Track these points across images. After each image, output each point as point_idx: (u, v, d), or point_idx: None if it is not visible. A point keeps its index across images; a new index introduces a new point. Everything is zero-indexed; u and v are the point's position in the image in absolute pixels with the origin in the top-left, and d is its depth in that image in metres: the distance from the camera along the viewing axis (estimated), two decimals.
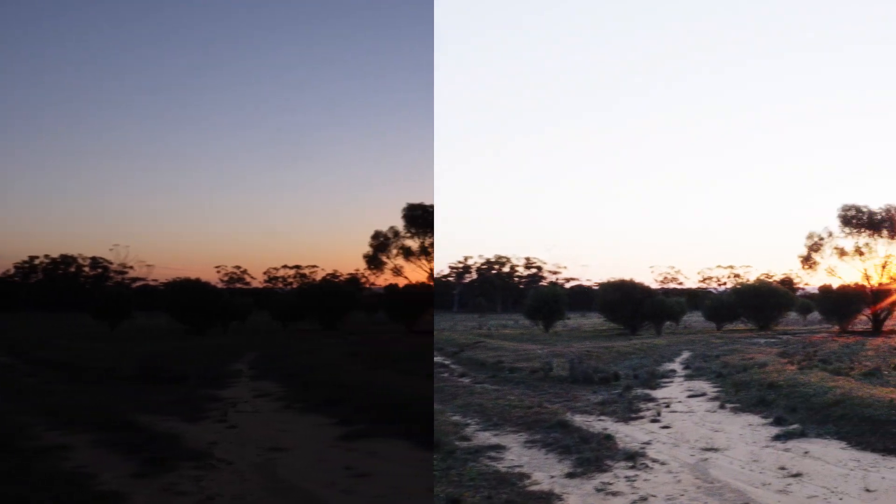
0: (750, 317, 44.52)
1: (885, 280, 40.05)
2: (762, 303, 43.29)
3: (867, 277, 40.18)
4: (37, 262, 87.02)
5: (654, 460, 9.33)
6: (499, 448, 10.06)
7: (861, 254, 40.06)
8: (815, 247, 41.38)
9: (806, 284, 62.10)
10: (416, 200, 44.61)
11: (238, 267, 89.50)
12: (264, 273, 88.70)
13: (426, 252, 44.61)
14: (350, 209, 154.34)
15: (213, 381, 17.33)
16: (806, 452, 9.54)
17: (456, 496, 7.53)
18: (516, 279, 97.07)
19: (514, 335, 37.80)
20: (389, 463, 9.10)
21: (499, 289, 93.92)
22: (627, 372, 18.56)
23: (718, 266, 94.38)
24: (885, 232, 39.21)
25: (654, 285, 75.06)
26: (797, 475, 8.40)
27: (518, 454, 9.80)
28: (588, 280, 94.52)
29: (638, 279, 43.77)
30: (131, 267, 79.21)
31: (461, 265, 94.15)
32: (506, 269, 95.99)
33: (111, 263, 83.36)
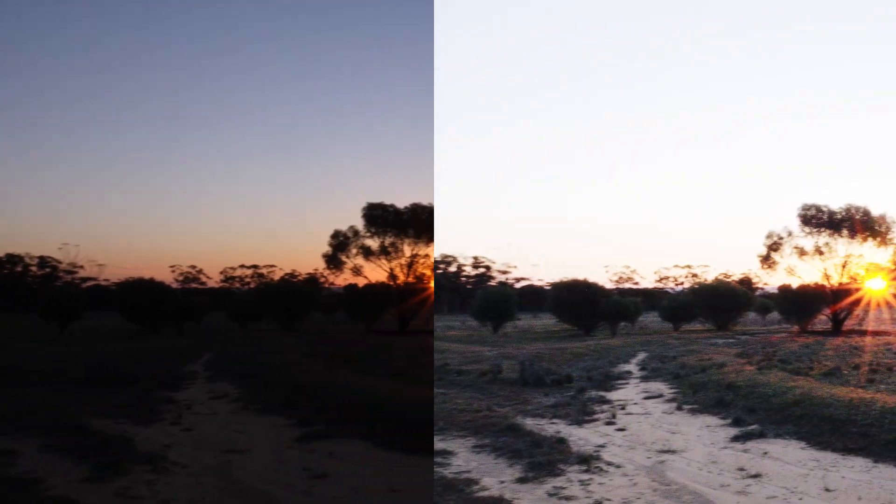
0: (708, 317, 45.89)
1: (845, 280, 41.82)
2: (720, 303, 44.66)
3: (827, 277, 41.90)
4: None
5: (609, 463, 9.51)
6: (445, 453, 10.09)
7: (821, 253, 41.77)
8: (774, 246, 42.94)
9: (765, 284, 64.40)
10: (375, 199, 46.13)
11: (193, 266, 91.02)
12: (221, 273, 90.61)
13: (386, 252, 45.86)
14: (310, 208, 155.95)
15: (167, 383, 17.50)
16: (765, 453, 9.88)
17: None
18: (463, 279, 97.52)
19: (462, 337, 38.05)
20: (348, 464, 9.39)
21: (445, 289, 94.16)
22: (581, 374, 18.90)
23: (675, 266, 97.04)
24: (845, 232, 40.97)
25: (609, 285, 76.62)
26: (756, 476, 8.69)
27: (466, 459, 9.86)
28: (539, 280, 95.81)
29: (592, 279, 44.72)
30: (81, 266, 78.74)
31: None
32: (452, 268, 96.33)
33: (60, 263, 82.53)
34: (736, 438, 10.88)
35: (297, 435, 11.18)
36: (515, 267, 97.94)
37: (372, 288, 46.34)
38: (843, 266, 41.69)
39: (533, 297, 73.76)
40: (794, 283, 43.19)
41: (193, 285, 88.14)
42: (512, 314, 45.46)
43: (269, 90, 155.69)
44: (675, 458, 9.83)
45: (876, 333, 36.01)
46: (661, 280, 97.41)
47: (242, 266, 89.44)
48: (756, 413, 12.59)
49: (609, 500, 7.92)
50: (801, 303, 42.07)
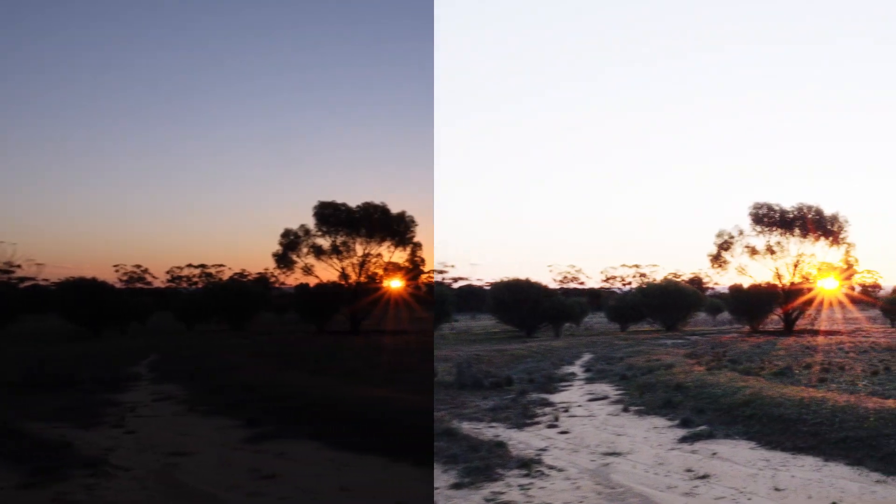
0: (656, 317, 46.99)
1: (797, 279, 43.40)
2: (669, 303, 45.79)
3: (779, 277, 43.40)
4: None
5: (551, 467, 9.62)
6: None
7: (772, 252, 43.26)
8: (725, 245, 44.25)
9: (716, 284, 66.18)
10: (326, 198, 47.57)
11: (138, 266, 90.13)
12: (167, 272, 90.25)
13: (338, 251, 47.02)
14: (261, 207, 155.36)
15: (110, 385, 17.75)
16: (714, 454, 10.15)
17: None
18: None
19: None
20: (298, 464, 9.68)
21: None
22: (522, 376, 19.11)
23: (623, 265, 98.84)
24: (797, 231, 42.53)
25: (553, 285, 77.57)
26: (704, 477, 8.92)
27: None
28: (479, 280, 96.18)
29: (536, 279, 45.20)
30: (18, 266, 76.71)
31: None
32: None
33: None
34: (684, 439, 11.16)
35: (245, 436, 11.48)
36: (453, 266, 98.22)
37: (323, 288, 47.44)
38: (795, 265, 43.27)
39: (471, 298, 74.12)
40: (746, 283, 44.60)
41: (138, 285, 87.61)
42: (448, 315, 45.68)
43: (217, 86, 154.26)
44: (620, 460, 10.01)
45: (829, 333, 37.52)
46: (607, 280, 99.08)
47: (190, 265, 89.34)
48: (705, 414, 12.94)
49: None
50: (752, 302, 43.44)
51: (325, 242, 47.18)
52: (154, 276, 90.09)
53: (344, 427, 11.56)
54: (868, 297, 65.37)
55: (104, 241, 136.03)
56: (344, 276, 47.22)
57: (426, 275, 54.96)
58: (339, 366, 20.91)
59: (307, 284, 48.80)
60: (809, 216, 42.38)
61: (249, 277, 69.14)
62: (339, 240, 47.01)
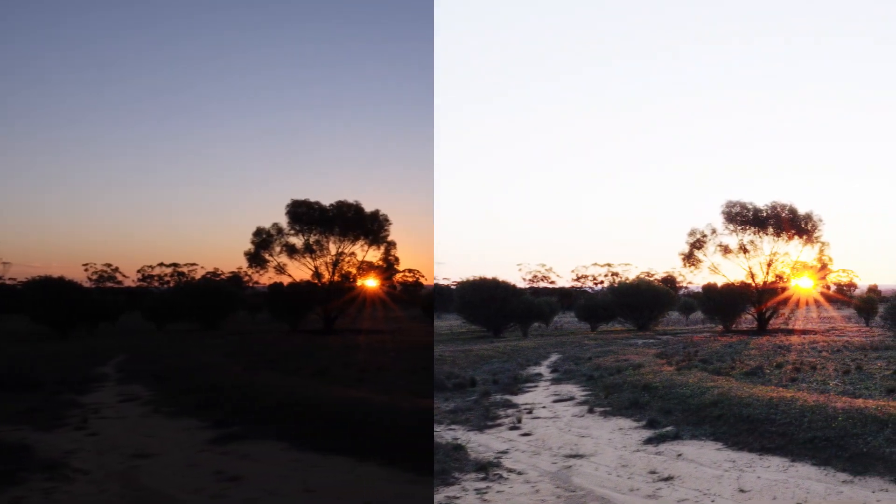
0: (627, 317, 47.27)
1: (770, 278, 43.98)
2: (641, 302, 46.11)
3: (752, 276, 43.94)
4: None
5: (511, 470, 9.56)
6: None
7: (745, 251, 43.83)
8: (697, 244, 44.72)
9: (689, 283, 66.91)
10: (300, 196, 48.20)
11: (109, 265, 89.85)
12: (138, 271, 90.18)
13: (311, 250, 47.80)
14: (234, 205, 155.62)
15: (75, 386, 17.82)
16: (679, 455, 10.17)
17: None
18: None
19: None
20: (262, 465, 9.79)
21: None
22: (486, 377, 19.06)
23: (594, 264, 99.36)
24: (770, 229, 43.07)
25: (523, 284, 77.70)
26: (668, 479, 8.92)
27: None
28: (445, 279, 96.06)
29: (504, 278, 45.21)
30: None
31: None
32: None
33: None
34: (649, 441, 11.17)
35: (210, 437, 11.58)
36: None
37: (297, 287, 48.15)
38: (769, 264, 43.87)
39: (438, 298, 74.02)
40: (719, 282, 45.09)
41: (109, 284, 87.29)
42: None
43: (189, 86, 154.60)
44: (582, 462, 9.98)
45: (803, 332, 38.05)
46: (579, 279, 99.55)
47: (162, 264, 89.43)
48: (672, 414, 12.99)
49: None
50: (725, 302, 43.89)
51: (298, 241, 48.01)
52: (125, 276, 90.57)
53: (312, 427, 11.70)
54: (843, 297, 66.40)
55: (74, 240, 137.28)
56: (317, 274, 47.98)
57: (401, 274, 55.84)
58: (310, 365, 21.27)
59: (281, 283, 49.69)
60: (783, 215, 42.95)
61: (222, 276, 71.39)
62: (313, 238, 47.89)
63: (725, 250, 44.04)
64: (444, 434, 11.99)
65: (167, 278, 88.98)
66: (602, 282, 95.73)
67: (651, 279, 64.34)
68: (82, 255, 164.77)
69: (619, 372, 18.80)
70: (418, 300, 70.71)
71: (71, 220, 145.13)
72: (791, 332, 39.31)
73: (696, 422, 12.25)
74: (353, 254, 48.53)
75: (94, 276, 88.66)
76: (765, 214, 43.02)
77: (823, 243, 43.27)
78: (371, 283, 49.30)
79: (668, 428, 11.89)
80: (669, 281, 72.10)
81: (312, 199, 48.05)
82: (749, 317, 44.87)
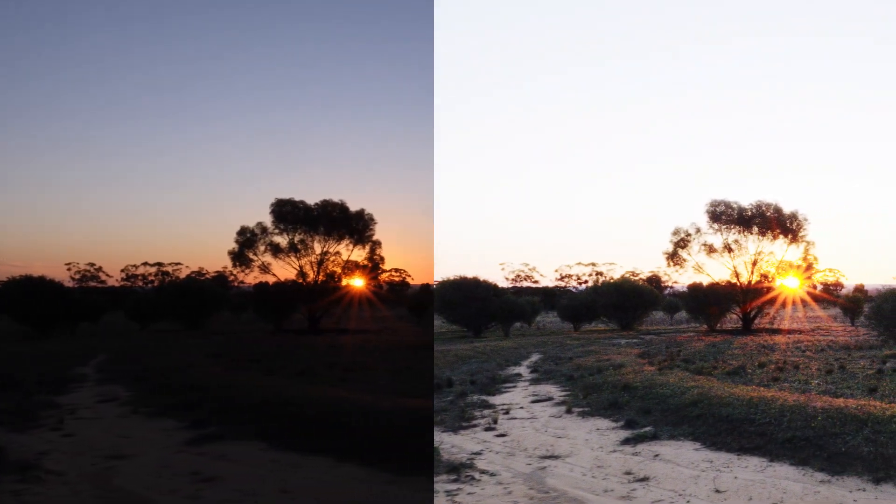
0: (611, 316, 47.44)
1: (755, 278, 44.28)
2: (624, 302, 46.26)
3: (737, 275, 44.22)
4: None
5: (483, 472, 9.54)
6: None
7: (730, 251, 44.09)
8: (681, 243, 44.95)
9: (675, 283, 67.29)
10: (285, 196, 48.83)
11: (92, 264, 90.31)
12: (122, 271, 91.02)
13: (295, 249, 48.32)
14: (220, 204, 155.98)
15: (52, 387, 17.85)
16: (656, 455, 10.19)
17: None
18: None
19: None
20: (240, 466, 9.84)
21: None
22: (464, 377, 19.06)
23: (578, 263, 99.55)
24: (755, 229, 43.37)
25: (505, 284, 77.73)
26: (644, 479, 8.93)
27: None
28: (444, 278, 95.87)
29: (486, 278, 45.23)
30: None
31: None
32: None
33: None
34: (627, 441, 11.20)
35: (188, 438, 11.64)
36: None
37: (282, 286, 48.68)
38: (754, 264, 44.17)
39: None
40: (704, 282, 45.32)
41: (92, 284, 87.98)
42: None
43: (173, 83, 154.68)
44: (557, 463, 9.98)
45: (788, 332, 38.38)
46: (562, 278, 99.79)
47: (146, 264, 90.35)
48: (651, 414, 13.04)
49: None
50: (710, 301, 44.13)
51: (282, 240, 48.51)
52: (108, 275, 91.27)
53: (292, 428, 11.80)
54: (830, 296, 66.93)
55: (57, 239, 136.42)
56: (302, 274, 48.44)
57: (387, 273, 56.43)
58: (293, 365, 21.50)
59: (266, 283, 50.16)
60: (768, 214, 43.24)
61: (207, 276, 72.93)
62: (297, 238, 48.40)
63: (710, 250, 44.33)
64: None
65: (151, 278, 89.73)
66: (586, 281, 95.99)
67: (636, 279, 64.64)
68: (65, 254, 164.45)
69: (599, 372, 18.84)
70: (405, 300, 70.77)
71: (54, 220, 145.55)
72: (776, 331, 39.61)
73: (675, 422, 12.29)
74: (338, 253, 49.06)
75: (77, 276, 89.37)
76: (749, 214, 43.32)
77: (809, 243, 43.68)
78: (357, 282, 49.78)
79: (647, 428, 11.94)
80: (654, 280, 72.46)
81: (297, 198, 48.56)
82: (734, 316, 45.15)
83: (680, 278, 48.48)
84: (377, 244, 49.21)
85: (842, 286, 78.80)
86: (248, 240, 48.30)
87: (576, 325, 48.55)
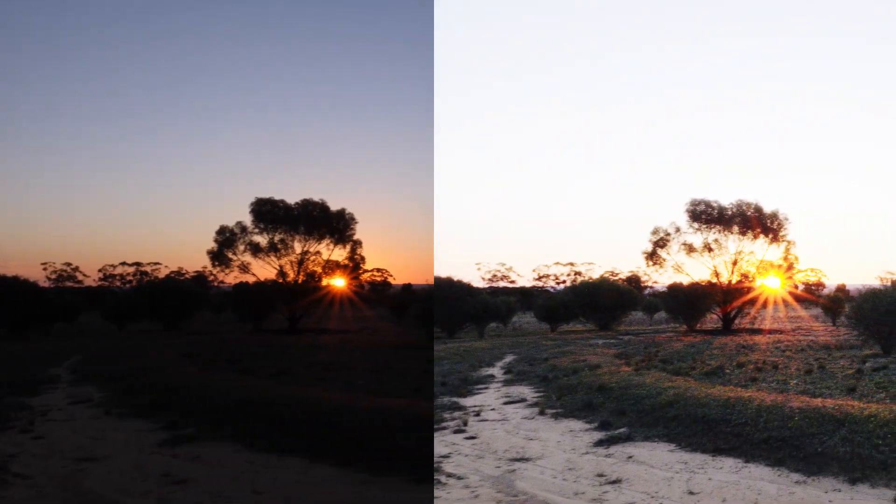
0: (589, 317, 47.55)
1: (736, 278, 44.55)
2: (602, 301, 46.38)
3: (717, 275, 44.47)
4: None
5: (451, 475, 9.48)
6: None
7: (710, 250, 44.31)
8: (661, 242, 45.12)
9: (654, 283, 67.55)
10: (264, 195, 49.62)
11: (69, 264, 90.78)
12: (99, 270, 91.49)
13: (275, 248, 48.88)
14: (200, 204, 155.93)
15: (24, 389, 18.09)
16: (630, 457, 10.18)
17: None
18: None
19: None
20: (213, 467, 9.90)
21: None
22: (436, 379, 18.95)
23: (557, 263, 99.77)
24: (735, 228, 43.64)
25: (482, 284, 77.72)
26: (616, 482, 8.90)
27: None
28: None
29: (462, 278, 45.23)
30: None
31: None
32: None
33: None
34: (600, 443, 11.18)
35: (161, 439, 11.72)
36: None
37: (262, 286, 49.18)
38: (734, 263, 44.41)
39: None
40: (684, 281, 45.54)
41: (68, 284, 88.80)
42: None
43: (150, 82, 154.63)
44: (528, 466, 9.93)
45: (769, 331, 38.66)
46: (540, 279, 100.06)
47: (124, 263, 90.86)
48: (626, 416, 13.03)
49: None
50: (689, 301, 44.34)
51: (262, 240, 49.07)
52: (85, 275, 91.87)
53: (267, 428, 11.96)
54: (811, 296, 67.56)
55: (33, 239, 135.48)
56: (282, 273, 49.02)
57: (368, 273, 56.97)
58: (271, 365, 21.73)
59: (246, 283, 50.68)
60: (749, 213, 43.53)
61: (187, 276, 74.69)
62: (277, 237, 48.99)
63: (690, 249, 44.51)
64: None
65: (129, 278, 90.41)
66: (564, 281, 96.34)
67: (615, 278, 64.91)
68: (41, 253, 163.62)
69: (574, 373, 18.83)
70: (387, 299, 71.93)
71: (30, 218, 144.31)
72: (757, 331, 39.88)
73: (650, 423, 12.30)
74: (318, 253, 49.66)
75: (53, 276, 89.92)
76: (730, 213, 43.57)
77: (789, 242, 43.96)
78: (338, 282, 50.47)
79: (621, 430, 11.93)
80: (634, 280, 72.83)
81: (277, 197, 49.06)
82: (714, 317, 45.42)
83: (660, 278, 48.58)
84: (358, 244, 49.94)
85: (823, 286, 79.68)
86: (227, 239, 48.71)
87: (553, 325, 48.63)
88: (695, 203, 43.96)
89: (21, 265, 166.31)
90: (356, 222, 49.70)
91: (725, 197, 54.87)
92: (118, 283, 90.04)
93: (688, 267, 45.14)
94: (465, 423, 13.03)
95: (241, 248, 48.78)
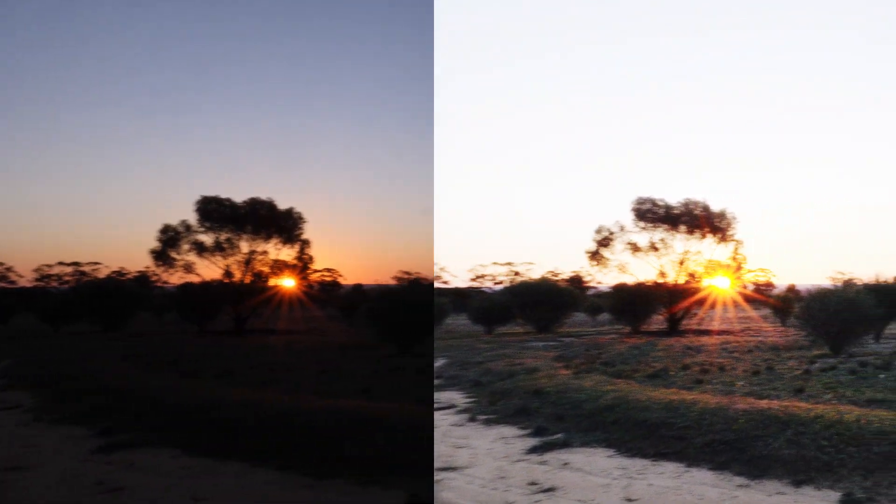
0: (528, 318, 47.81)
1: (683, 278, 45.30)
2: (542, 302, 46.65)
3: (663, 275, 45.15)
4: None
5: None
6: None
7: (656, 249, 44.96)
8: (604, 241, 45.60)
9: (598, 283, 68.32)
10: (210, 193, 49.32)
11: (1, 263, 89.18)
12: (35, 270, 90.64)
13: (221, 248, 49.06)
14: (142, 202, 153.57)
15: None
16: (565, 464, 10.19)
17: None
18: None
19: None
20: (150, 474, 9.94)
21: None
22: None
23: (494, 263, 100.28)
24: (682, 227, 44.36)
25: None
26: (550, 490, 8.89)
27: None
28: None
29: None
30: None
31: None
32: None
33: None
34: (534, 449, 11.18)
35: (95, 446, 11.73)
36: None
37: (208, 286, 49.26)
38: (681, 263, 45.14)
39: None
40: (629, 281, 46.10)
41: (1, 284, 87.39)
42: None
43: (92, 75, 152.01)
44: (455, 475, 9.87)
45: (716, 332, 39.42)
46: (476, 279, 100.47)
47: (61, 263, 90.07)
48: (563, 421, 13.08)
49: None
50: (633, 302, 44.91)
51: (207, 239, 49.09)
52: (20, 275, 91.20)
53: (208, 432, 12.12)
54: (761, 296, 69.16)
55: None
56: (228, 273, 49.24)
57: (318, 273, 57.49)
58: (214, 367, 21.93)
59: (192, 283, 50.77)
60: (696, 212, 44.28)
61: (129, 276, 74.48)
62: (224, 236, 49.21)
63: (635, 248, 45.05)
64: None
65: (67, 278, 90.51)
66: (502, 282, 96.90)
67: (556, 279, 65.43)
68: None
69: (510, 377, 18.88)
70: (337, 300, 73.13)
71: None
72: (704, 332, 40.60)
73: (588, 428, 12.36)
74: (266, 252, 50.01)
75: None
76: (677, 212, 44.25)
77: (738, 241, 44.84)
78: (288, 282, 50.89)
79: (557, 435, 11.96)
80: (576, 281, 73.53)
81: (223, 196, 49.22)
82: (661, 318, 46.09)
83: (604, 278, 49.08)
84: (306, 243, 50.29)
85: (773, 286, 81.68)
86: (171, 238, 48.65)
87: (489, 327, 48.75)
88: (640, 201, 44.52)
89: None
90: (305, 221, 50.15)
91: (676, 194, 55.84)
92: (55, 284, 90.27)
93: (633, 267, 45.72)
94: None
95: (186, 247, 48.80)
